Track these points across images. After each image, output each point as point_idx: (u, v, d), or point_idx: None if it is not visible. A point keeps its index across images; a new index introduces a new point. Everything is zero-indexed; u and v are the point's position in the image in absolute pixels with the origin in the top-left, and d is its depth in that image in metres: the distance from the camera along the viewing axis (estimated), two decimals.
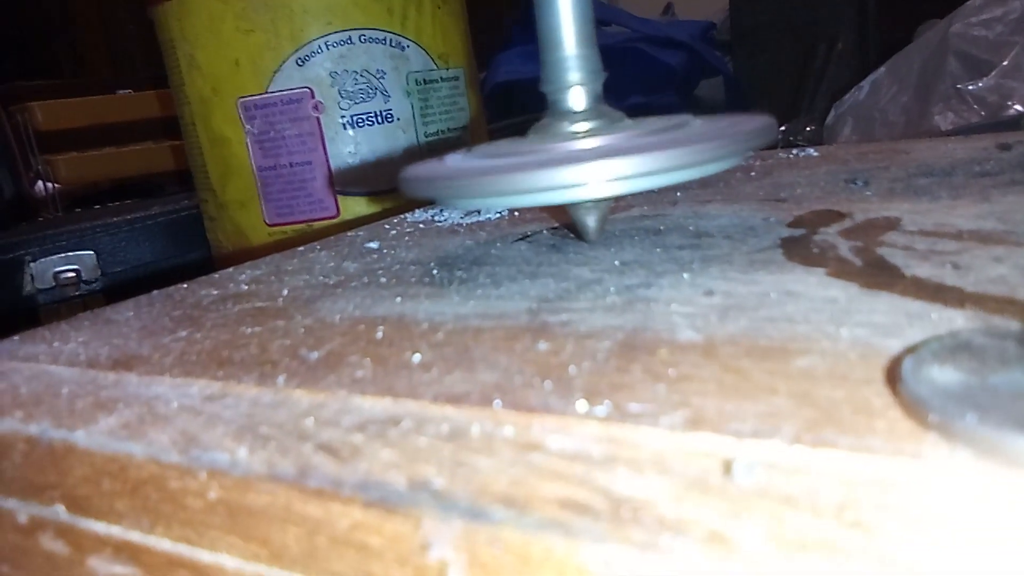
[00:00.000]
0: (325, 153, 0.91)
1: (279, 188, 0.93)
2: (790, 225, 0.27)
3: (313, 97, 0.87)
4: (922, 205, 0.28)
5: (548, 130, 0.27)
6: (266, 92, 0.87)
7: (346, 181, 0.91)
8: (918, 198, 0.29)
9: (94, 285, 1.02)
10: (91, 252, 1.04)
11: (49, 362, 0.23)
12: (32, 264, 0.99)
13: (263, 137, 0.91)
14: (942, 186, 0.30)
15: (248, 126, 0.89)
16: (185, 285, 0.31)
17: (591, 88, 0.27)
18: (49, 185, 1.35)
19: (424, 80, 0.91)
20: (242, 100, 0.88)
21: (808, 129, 0.81)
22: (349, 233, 0.38)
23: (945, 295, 0.18)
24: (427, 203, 0.45)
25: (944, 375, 0.13)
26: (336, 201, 1.01)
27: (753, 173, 0.39)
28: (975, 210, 0.26)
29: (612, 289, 0.22)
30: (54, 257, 1.03)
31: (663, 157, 0.22)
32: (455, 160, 0.27)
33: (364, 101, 0.91)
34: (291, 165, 0.94)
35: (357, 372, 0.18)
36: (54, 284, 1.00)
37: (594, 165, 0.22)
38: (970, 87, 0.66)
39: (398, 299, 0.24)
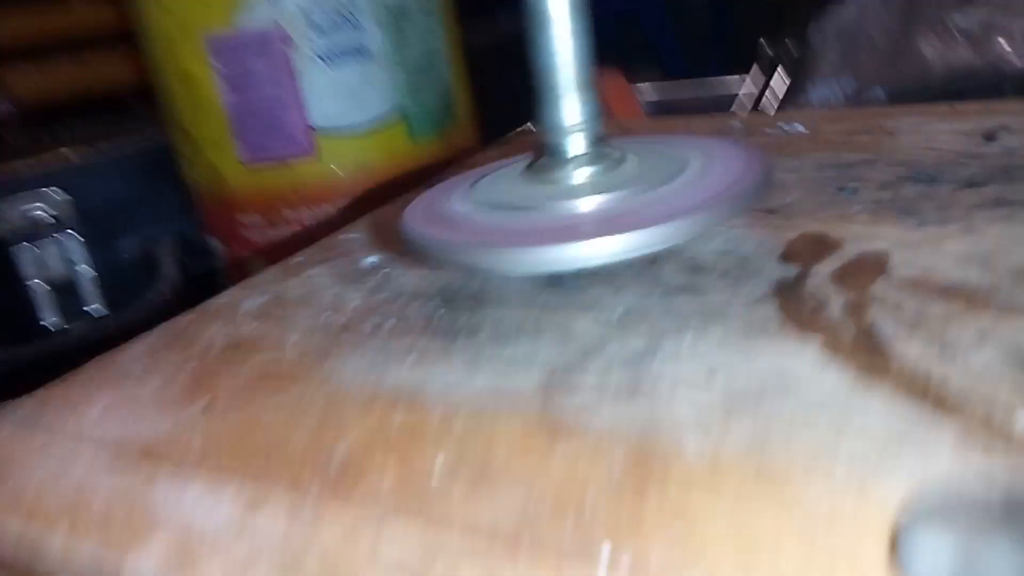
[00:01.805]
0: (297, 89, 0.89)
1: (251, 126, 0.91)
2: (784, 258, 0.28)
3: (282, 31, 0.84)
4: (910, 234, 0.28)
5: (548, 176, 0.27)
6: (233, 28, 0.84)
7: (320, 117, 0.89)
8: (906, 220, 0.30)
9: (65, 224, 1.00)
10: (60, 190, 1.02)
11: (71, 444, 0.23)
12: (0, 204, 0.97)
13: (232, 74, 0.88)
14: (929, 202, 0.31)
15: (216, 63, 0.86)
16: (191, 315, 0.31)
17: (590, 131, 0.27)
18: (5, 105, 1.30)
19: (398, 9, 0.88)
20: (209, 37, 0.85)
21: (792, 56, 0.80)
22: (342, 236, 0.38)
23: (933, 396, 0.19)
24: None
25: (936, 555, 0.14)
26: (311, 139, 0.99)
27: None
28: (962, 246, 0.27)
29: (617, 360, 0.23)
30: (22, 194, 1.01)
31: (661, 232, 0.23)
32: (458, 210, 0.27)
33: (335, 34, 0.89)
34: (262, 102, 0.92)
35: (383, 481, 0.19)
36: (23, 223, 0.99)
37: (598, 242, 0.22)
38: (956, 16, 0.65)
39: (409, 358, 0.25)
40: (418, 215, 0.28)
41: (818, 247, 0.29)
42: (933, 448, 0.18)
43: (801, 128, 0.43)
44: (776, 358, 0.22)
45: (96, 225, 1.10)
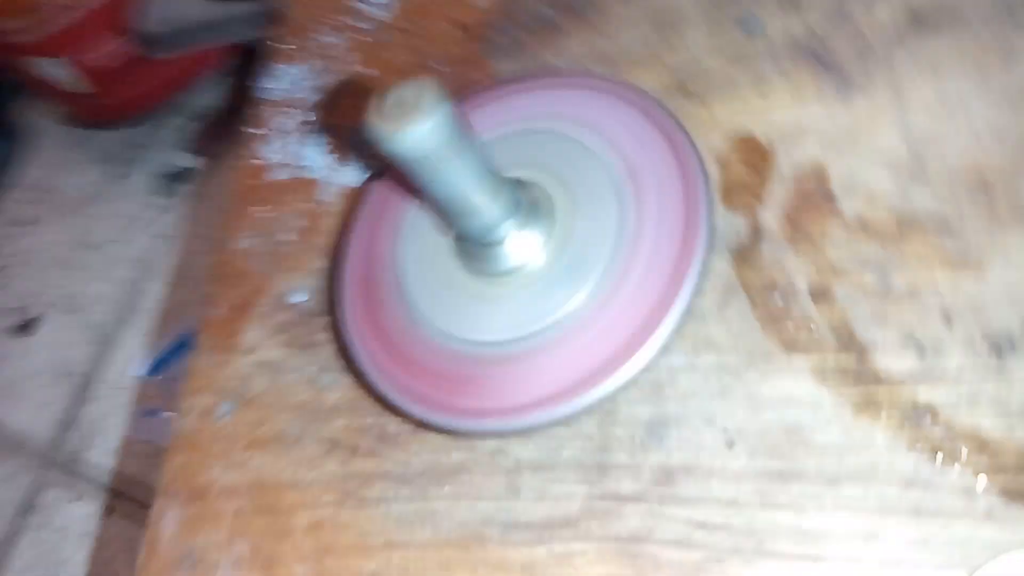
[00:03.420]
0: None
1: None
2: (724, 198, 0.27)
3: None
4: (838, 114, 0.27)
5: (490, 272, 0.25)
6: None
7: None
8: (827, 82, 0.28)
9: None
10: None
11: None
12: None
13: None
14: (846, 41, 0.28)
15: None
16: (186, 453, 0.31)
17: (509, 219, 0.24)
18: None
19: None
20: None
21: None
22: (236, 246, 0.34)
23: (924, 426, 0.22)
24: None
25: None
26: None
27: None
28: (895, 136, 0.26)
29: (639, 440, 0.25)
30: None
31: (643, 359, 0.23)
32: (422, 345, 0.26)
33: None
34: None
35: None
36: None
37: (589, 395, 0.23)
38: None
39: (444, 490, 0.27)
40: (376, 348, 0.26)
41: (752, 167, 0.27)
42: (952, 516, 0.21)
43: None
44: (780, 408, 0.24)
45: None
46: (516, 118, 0.28)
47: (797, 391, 0.24)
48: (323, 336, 0.31)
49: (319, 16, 0.38)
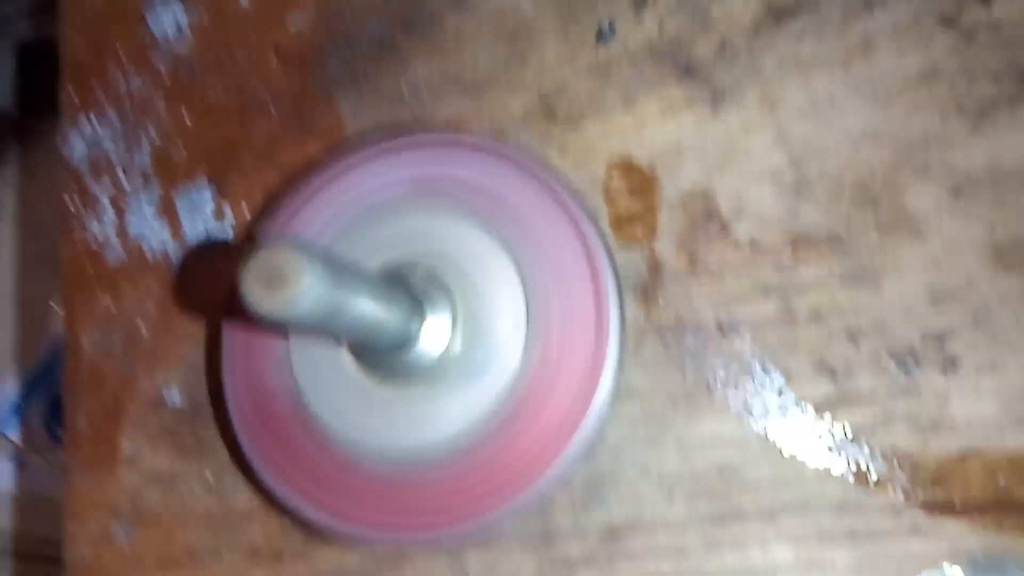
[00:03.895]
0: None
1: None
2: (615, 229, 0.26)
3: None
4: (710, 126, 0.26)
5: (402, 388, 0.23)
6: None
7: None
8: (695, 92, 0.27)
9: None
10: None
11: None
12: None
13: None
14: (703, 38, 0.27)
15: None
16: None
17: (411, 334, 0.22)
18: None
19: None
20: None
21: None
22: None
23: (847, 450, 0.23)
24: None
25: None
26: None
27: None
28: (766, 144, 0.26)
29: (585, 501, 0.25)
30: None
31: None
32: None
33: None
34: None
35: None
36: None
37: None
38: None
39: None
40: (282, 467, 0.24)
41: (638, 195, 0.26)
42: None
43: None
44: (711, 450, 0.24)
45: None
46: (375, 186, 0.25)
47: (724, 430, 0.25)
48: (211, 433, 0.29)
49: (108, 52, 0.33)
